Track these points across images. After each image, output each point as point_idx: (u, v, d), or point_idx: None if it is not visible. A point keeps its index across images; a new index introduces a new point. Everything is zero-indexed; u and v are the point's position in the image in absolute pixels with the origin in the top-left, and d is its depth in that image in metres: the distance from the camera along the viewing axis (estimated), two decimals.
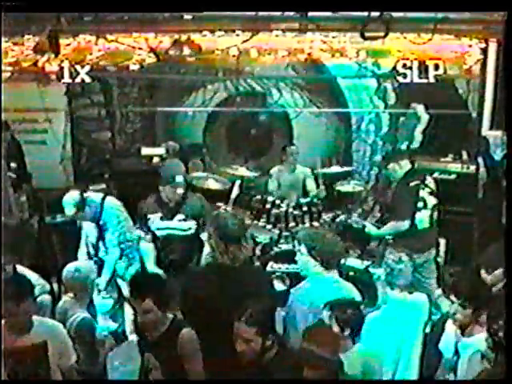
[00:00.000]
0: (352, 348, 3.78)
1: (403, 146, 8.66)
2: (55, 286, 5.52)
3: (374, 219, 7.26)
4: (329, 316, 3.73)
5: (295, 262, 4.51)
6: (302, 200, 7.38)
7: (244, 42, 6.75)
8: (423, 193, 6.05)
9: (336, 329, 3.72)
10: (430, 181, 6.19)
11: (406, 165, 6.11)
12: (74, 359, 4.00)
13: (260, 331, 3.49)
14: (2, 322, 3.79)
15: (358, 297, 4.22)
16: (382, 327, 4.45)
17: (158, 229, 5.90)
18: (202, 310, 3.99)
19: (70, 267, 4.76)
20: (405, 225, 5.94)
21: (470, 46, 7.16)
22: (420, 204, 6.00)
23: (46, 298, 4.91)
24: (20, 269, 5.01)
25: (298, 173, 7.92)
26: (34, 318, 3.90)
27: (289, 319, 4.14)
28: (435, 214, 6.14)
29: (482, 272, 4.43)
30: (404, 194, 6.08)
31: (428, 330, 4.60)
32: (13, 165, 6.94)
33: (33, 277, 4.75)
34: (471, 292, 3.82)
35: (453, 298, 3.86)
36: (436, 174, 6.95)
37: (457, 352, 3.82)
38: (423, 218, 6.02)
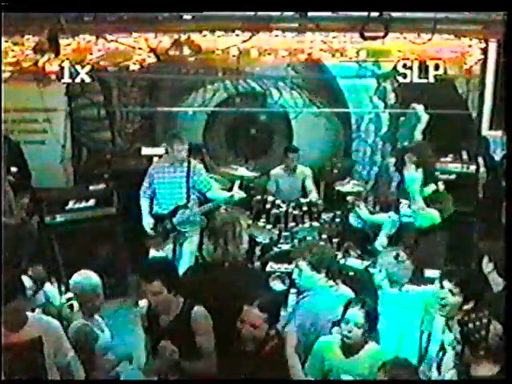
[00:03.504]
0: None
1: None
2: (55, 285, 5.50)
3: None
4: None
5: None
6: (302, 200, 7.39)
7: (244, 41, 6.76)
8: None
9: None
10: (441, 188, 6.14)
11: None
12: (70, 356, 3.95)
13: (268, 319, 3.65)
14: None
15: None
16: (381, 325, 4.44)
17: None
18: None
19: (81, 276, 4.51)
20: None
21: (470, 46, 7.17)
22: None
23: (44, 299, 4.89)
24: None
25: (298, 173, 7.92)
26: (29, 314, 3.86)
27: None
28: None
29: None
30: None
31: (424, 327, 4.60)
32: (13, 166, 6.93)
33: (26, 280, 4.64)
34: (470, 287, 3.82)
35: (445, 283, 3.86)
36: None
37: (443, 348, 3.82)
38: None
